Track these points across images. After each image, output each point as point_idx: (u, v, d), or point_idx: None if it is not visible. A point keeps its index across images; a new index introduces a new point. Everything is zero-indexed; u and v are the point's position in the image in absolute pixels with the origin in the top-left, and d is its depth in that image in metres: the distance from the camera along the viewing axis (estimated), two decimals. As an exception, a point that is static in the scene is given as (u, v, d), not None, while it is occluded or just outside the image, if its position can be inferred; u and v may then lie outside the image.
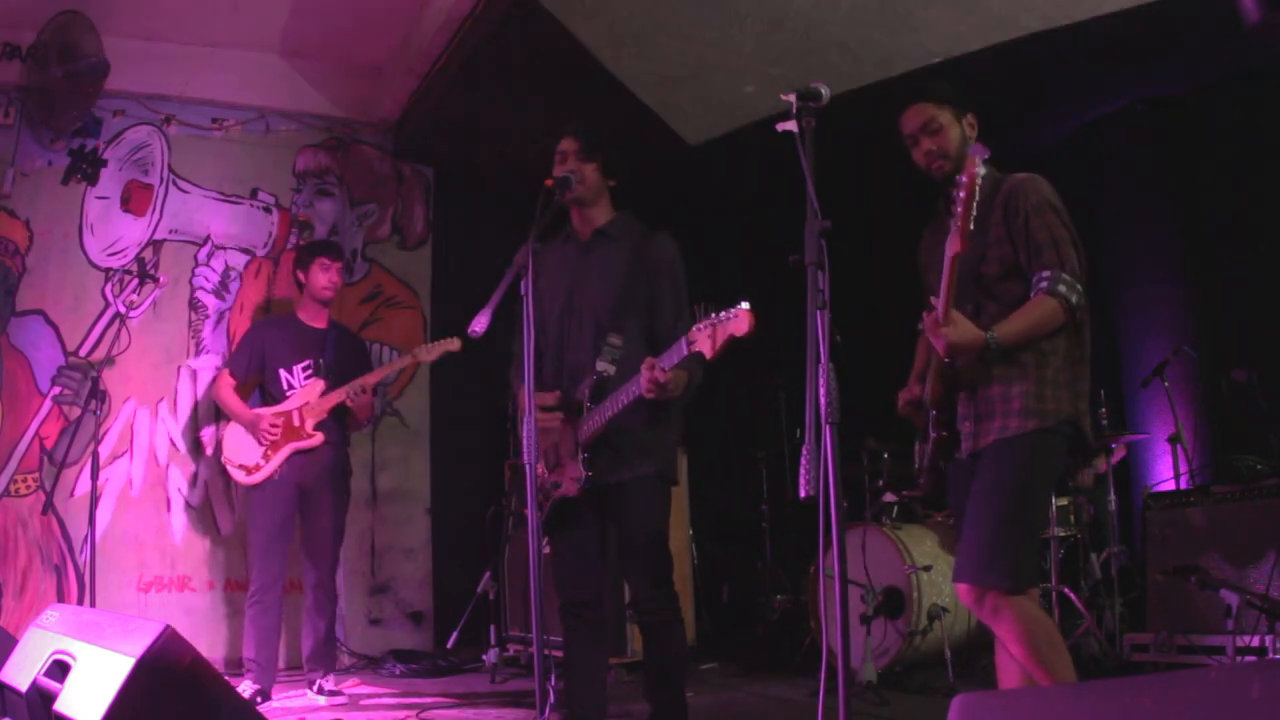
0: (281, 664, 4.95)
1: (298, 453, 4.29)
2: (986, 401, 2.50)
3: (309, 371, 4.41)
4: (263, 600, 4.19)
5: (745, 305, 2.47)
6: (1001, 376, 2.48)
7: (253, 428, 4.33)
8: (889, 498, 4.69)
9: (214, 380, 4.76)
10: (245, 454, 4.35)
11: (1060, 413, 2.46)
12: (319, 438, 4.30)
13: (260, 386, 4.53)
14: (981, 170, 2.22)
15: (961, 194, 2.21)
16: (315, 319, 4.50)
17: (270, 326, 4.63)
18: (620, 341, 2.90)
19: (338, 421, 4.39)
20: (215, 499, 5.18)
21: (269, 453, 4.30)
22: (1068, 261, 2.43)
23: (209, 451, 5.14)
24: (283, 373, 4.41)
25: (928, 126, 2.59)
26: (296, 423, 4.31)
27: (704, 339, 2.53)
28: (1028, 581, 2.41)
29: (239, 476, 4.36)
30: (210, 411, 5.20)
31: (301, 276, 4.49)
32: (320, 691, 4.22)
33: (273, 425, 4.29)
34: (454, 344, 4.40)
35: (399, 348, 5.84)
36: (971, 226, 2.24)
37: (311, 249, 4.56)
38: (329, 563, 4.36)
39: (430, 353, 4.40)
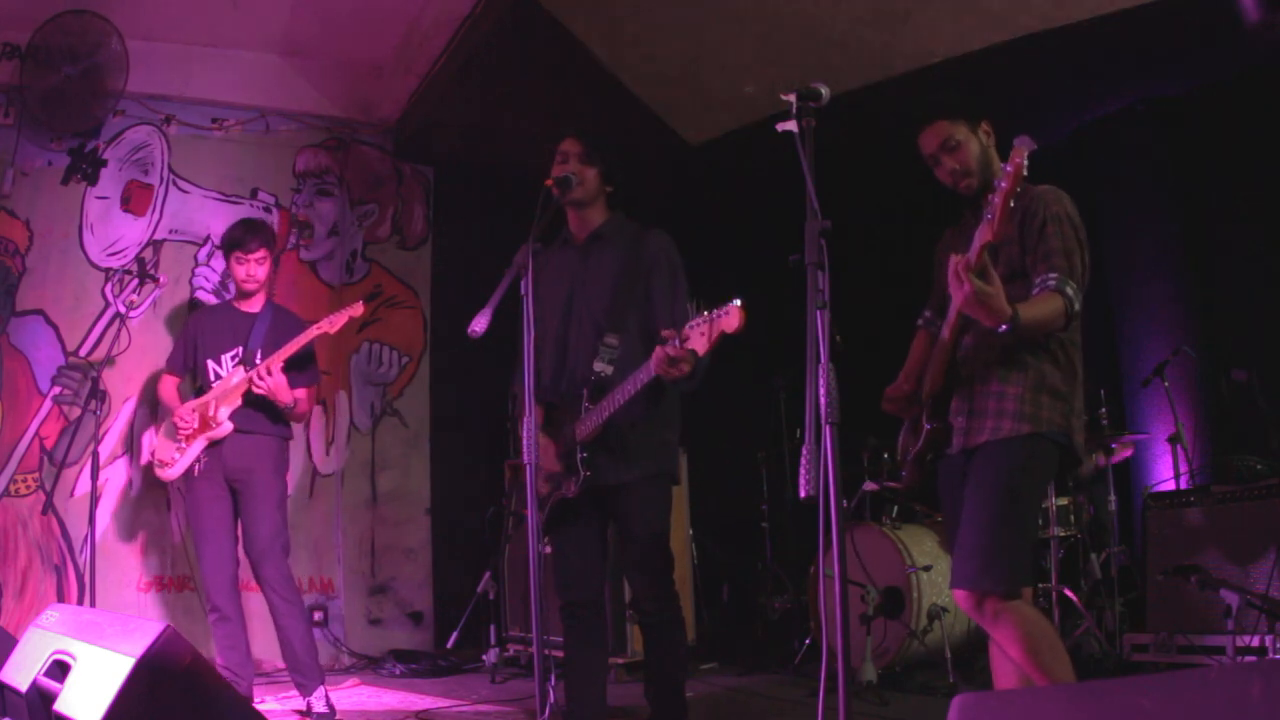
0: (277, 664, 4.96)
1: (212, 444, 3.99)
2: (982, 398, 2.49)
3: (236, 359, 4.11)
4: (220, 607, 3.94)
5: (737, 302, 2.49)
6: (1000, 375, 2.47)
7: (169, 421, 4.14)
8: (869, 486, 4.69)
9: (158, 382, 4.51)
10: (164, 450, 4.13)
11: (1053, 422, 2.45)
12: (228, 427, 3.96)
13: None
14: (1025, 160, 2.16)
15: (1004, 184, 2.18)
16: (250, 304, 4.22)
17: (203, 317, 4.39)
18: (617, 341, 2.91)
19: (260, 409, 4.02)
20: (215, 499, 5.17)
21: (182, 446, 4.05)
22: (1075, 272, 2.42)
23: (145, 457, 5.02)
24: (210, 363, 4.15)
25: (946, 144, 2.56)
26: (210, 412, 4.01)
27: (698, 336, 2.55)
28: (1023, 584, 2.41)
29: (159, 473, 4.13)
30: (152, 416, 5.11)
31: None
32: (309, 712, 3.94)
33: (184, 418, 4.04)
34: (357, 309, 4.06)
35: (399, 348, 5.85)
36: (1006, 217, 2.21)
37: (225, 242, 4.24)
38: (273, 562, 3.97)
39: (334, 323, 4.03)
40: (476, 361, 4.48)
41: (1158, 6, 4.12)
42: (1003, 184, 2.19)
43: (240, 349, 4.13)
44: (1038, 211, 2.47)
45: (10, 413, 4.86)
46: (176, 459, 4.05)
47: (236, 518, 4.06)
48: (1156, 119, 5.18)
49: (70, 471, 4.88)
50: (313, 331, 4.01)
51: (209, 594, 3.99)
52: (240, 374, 4.03)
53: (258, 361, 4.02)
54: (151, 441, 5.02)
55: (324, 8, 5.12)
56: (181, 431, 4.07)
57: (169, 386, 4.32)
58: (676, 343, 2.59)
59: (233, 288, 4.34)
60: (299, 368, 4.07)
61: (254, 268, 4.14)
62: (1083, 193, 2.45)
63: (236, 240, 4.16)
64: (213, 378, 4.14)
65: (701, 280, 3.07)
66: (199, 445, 4.02)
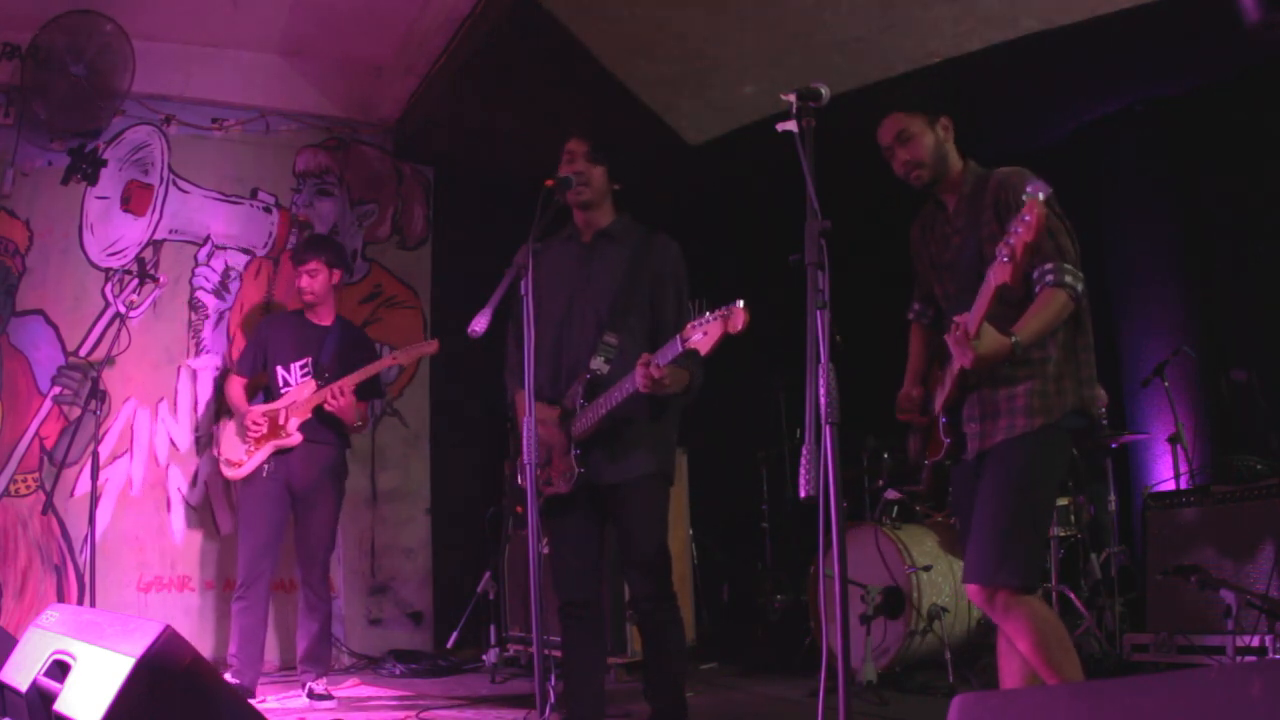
0: (278, 663, 4.98)
1: (280, 451, 4.25)
2: (993, 402, 2.50)
3: (306, 370, 4.36)
4: (246, 598, 4.16)
5: (740, 303, 2.51)
6: (1008, 377, 2.48)
7: (239, 423, 4.36)
8: (891, 494, 4.69)
9: (225, 381, 4.75)
10: (232, 450, 4.38)
11: (1066, 406, 2.46)
12: (298, 438, 4.24)
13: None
14: (1044, 210, 2.13)
15: (1022, 232, 2.14)
16: (320, 316, 4.46)
17: (273, 324, 4.61)
18: (616, 340, 2.91)
19: (327, 422, 4.30)
20: (215, 499, 5.18)
21: (251, 449, 4.29)
22: (1065, 251, 2.43)
23: (214, 450, 5.15)
24: (280, 370, 4.39)
25: (900, 136, 2.62)
26: (281, 421, 4.27)
27: (699, 336, 2.55)
28: (1037, 579, 2.43)
29: (225, 471, 4.41)
30: (223, 410, 5.16)
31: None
32: (310, 694, 4.17)
33: (256, 422, 4.27)
34: (431, 346, 4.44)
35: (398, 348, 5.84)
36: (1020, 259, 2.18)
37: (296, 251, 4.52)
38: (320, 564, 4.31)
39: (407, 355, 4.40)
40: (476, 361, 4.50)
41: (1158, 6, 4.12)
42: (1020, 230, 2.14)
43: (310, 360, 4.36)
44: (1009, 200, 2.45)
45: (10, 413, 4.86)
46: (245, 460, 4.29)
47: (288, 521, 4.31)
48: (1156, 119, 5.18)
49: (70, 471, 4.88)
50: (386, 361, 4.37)
51: (243, 585, 4.19)
52: (311, 386, 4.28)
53: (326, 376, 4.28)
54: (220, 436, 5.06)
55: (324, 8, 5.11)
56: (251, 435, 4.28)
57: (237, 387, 4.52)
58: (656, 364, 2.65)
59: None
60: (365, 388, 4.35)
61: (306, 280, 4.38)
62: (1083, 193, 2.45)
63: (293, 253, 4.47)
64: (281, 384, 4.37)
65: (701, 280, 3.07)
66: (267, 450, 4.26)
